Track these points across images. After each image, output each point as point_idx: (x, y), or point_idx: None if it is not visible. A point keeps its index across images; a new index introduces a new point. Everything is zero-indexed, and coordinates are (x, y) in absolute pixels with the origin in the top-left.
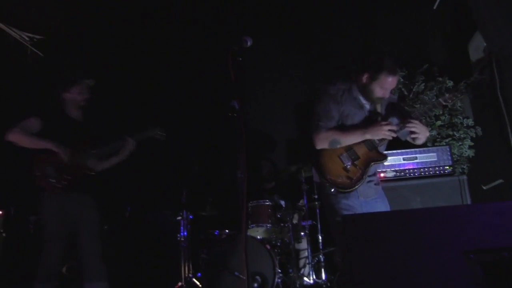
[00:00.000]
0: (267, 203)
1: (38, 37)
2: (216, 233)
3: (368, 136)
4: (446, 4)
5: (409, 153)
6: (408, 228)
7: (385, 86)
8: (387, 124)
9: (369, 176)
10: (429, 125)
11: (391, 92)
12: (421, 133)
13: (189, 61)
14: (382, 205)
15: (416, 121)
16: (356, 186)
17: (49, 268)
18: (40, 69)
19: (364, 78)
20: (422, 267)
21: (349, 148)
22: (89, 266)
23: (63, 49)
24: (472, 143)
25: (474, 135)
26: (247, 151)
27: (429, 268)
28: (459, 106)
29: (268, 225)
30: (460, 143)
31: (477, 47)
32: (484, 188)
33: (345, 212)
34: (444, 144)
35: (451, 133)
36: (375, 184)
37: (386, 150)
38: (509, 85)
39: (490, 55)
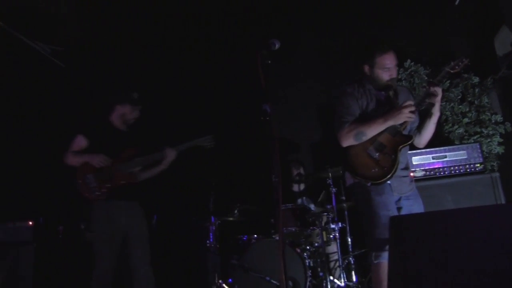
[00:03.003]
0: (296, 207)
1: (59, 48)
2: (244, 238)
3: (390, 122)
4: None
5: (438, 151)
6: (458, 228)
7: (386, 66)
8: (406, 107)
9: (402, 169)
10: (456, 122)
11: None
12: (439, 102)
13: (219, 66)
14: (415, 204)
15: (439, 87)
16: (391, 173)
17: (104, 277)
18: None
19: (366, 70)
20: (474, 267)
21: (373, 141)
22: (141, 273)
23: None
24: (502, 140)
25: (503, 131)
26: (280, 155)
27: (482, 269)
28: (486, 103)
29: (297, 228)
30: (489, 140)
31: (503, 41)
32: None
33: (380, 211)
34: (472, 141)
35: (479, 130)
36: (410, 181)
37: (415, 149)
38: None
39: None
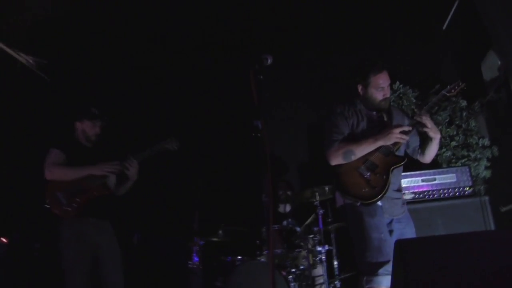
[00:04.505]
0: (282, 228)
1: (44, 61)
2: (229, 259)
3: (380, 142)
4: (455, 24)
5: (428, 174)
6: (463, 252)
7: (380, 85)
8: (397, 127)
9: (395, 191)
10: (443, 146)
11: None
12: (432, 128)
13: (207, 80)
14: (407, 227)
15: (427, 115)
16: (382, 194)
17: None
18: (50, 95)
19: (360, 90)
20: None
21: (365, 160)
22: None
23: (73, 75)
24: (489, 164)
25: (490, 156)
26: (271, 173)
27: None
28: (474, 126)
29: (283, 250)
30: (476, 164)
31: (490, 66)
32: (502, 210)
33: (372, 233)
34: (460, 165)
35: (466, 153)
36: (402, 204)
37: (404, 171)
38: None
39: (506, 73)
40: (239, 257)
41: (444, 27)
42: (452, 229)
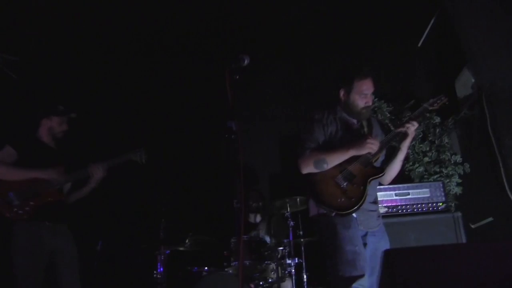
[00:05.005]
0: (251, 239)
1: (13, 58)
2: (195, 269)
3: (352, 152)
4: (431, 41)
5: (402, 188)
6: (454, 263)
7: (363, 92)
8: (369, 137)
9: (371, 203)
10: (416, 161)
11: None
12: (410, 140)
13: (177, 80)
14: (382, 241)
15: (417, 121)
16: (358, 205)
17: None
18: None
19: (342, 95)
20: None
21: (343, 169)
22: None
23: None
24: (460, 180)
25: (462, 172)
26: (244, 179)
27: None
28: (447, 143)
29: (252, 262)
30: (448, 180)
31: (464, 84)
32: (473, 226)
33: (346, 246)
34: (432, 180)
35: (438, 169)
36: (377, 216)
37: (381, 184)
38: (500, 122)
39: (480, 91)
40: (206, 268)
41: (419, 44)
42: (424, 244)
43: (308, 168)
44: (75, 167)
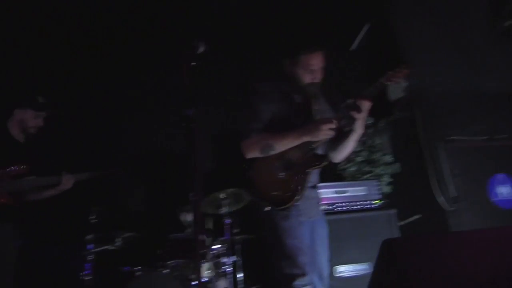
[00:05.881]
0: (185, 237)
1: None
2: (126, 269)
3: (306, 138)
4: (364, 45)
5: (340, 186)
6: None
7: (309, 67)
8: (325, 122)
9: (311, 188)
10: (350, 160)
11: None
12: (364, 118)
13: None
14: (320, 229)
15: (370, 100)
16: (296, 198)
17: None
18: None
19: (286, 67)
20: None
21: (281, 156)
22: None
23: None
24: (391, 180)
25: (392, 172)
26: (199, 170)
27: None
28: (378, 143)
29: (186, 261)
30: (379, 180)
31: (396, 87)
32: (400, 224)
33: (287, 239)
34: (364, 179)
35: (370, 169)
36: (317, 203)
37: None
38: (430, 124)
39: (412, 94)
40: (138, 267)
41: (353, 47)
42: (362, 240)
43: (253, 153)
44: (41, 168)
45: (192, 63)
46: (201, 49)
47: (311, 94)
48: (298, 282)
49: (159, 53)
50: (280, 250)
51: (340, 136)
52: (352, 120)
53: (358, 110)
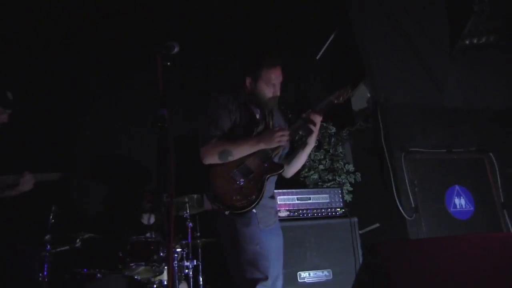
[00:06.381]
0: (147, 240)
1: None
2: (85, 271)
3: (262, 145)
4: (329, 55)
5: (303, 193)
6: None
7: (271, 81)
8: (280, 130)
9: (269, 198)
10: (312, 168)
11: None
12: (316, 132)
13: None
14: (275, 238)
15: (320, 115)
16: (254, 204)
17: None
18: None
19: (248, 83)
20: None
21: (240, 163)
22: None
23: None
24: (351, 188)
25: (353, 181)
26: (172, 171)
27: None
28: (341, 152)
29: (147, 264)
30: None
31: (360, 98)
32: (360, 232)
33: (247, 245)
34: (326, 187)
35: (332, 177)
36: (275, 213)
37: (281, 188)
38: (391, 134)
39: (375, 105)
40: (97, 269)
41: (317, 57)
42: (324, 247)
43: (212, 159)
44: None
45: (167, 63)
46: (176, 50)
47: (270, 107)
48: (261, 285)
49: (129, 51)
50: (242, 255)
51: (293, 149)
52: (306, 132)
53: (311, 123)
